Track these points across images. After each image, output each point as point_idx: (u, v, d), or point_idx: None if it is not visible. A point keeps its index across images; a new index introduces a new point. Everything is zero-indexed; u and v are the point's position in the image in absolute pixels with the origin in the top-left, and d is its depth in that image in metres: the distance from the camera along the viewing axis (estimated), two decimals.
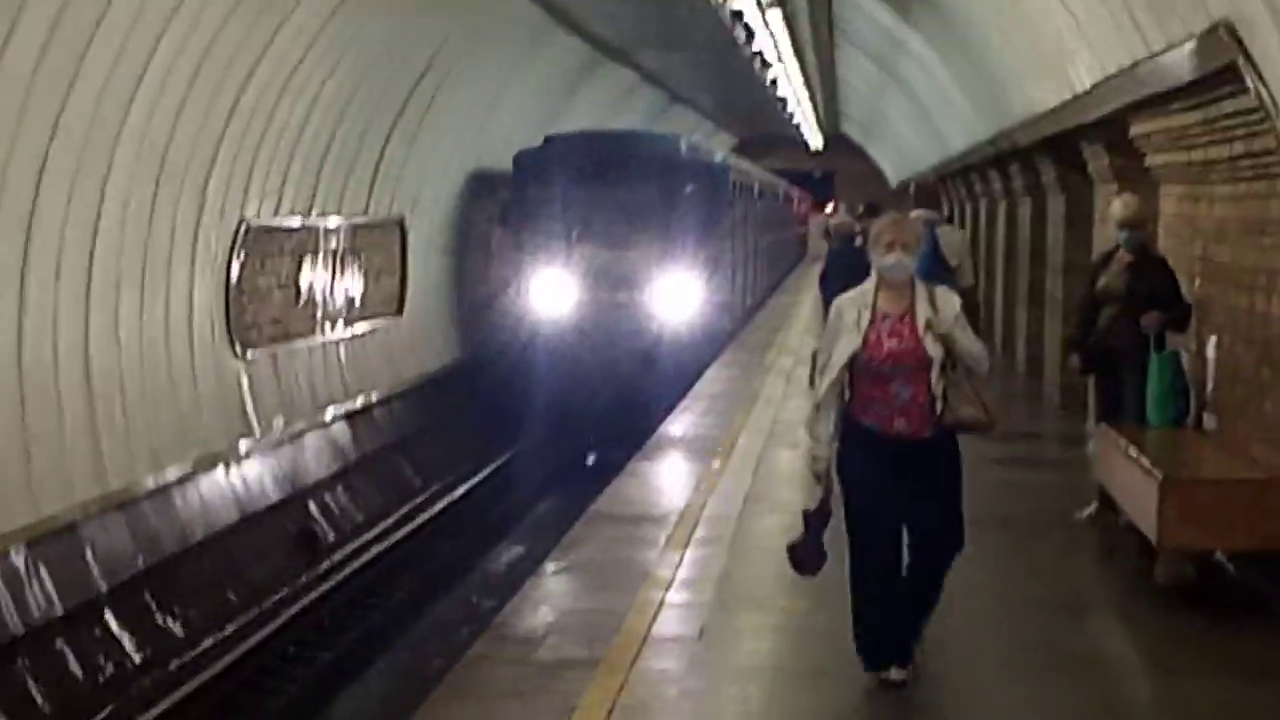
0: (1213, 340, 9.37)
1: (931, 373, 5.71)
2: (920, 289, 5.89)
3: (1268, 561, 7.67)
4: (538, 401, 17.22)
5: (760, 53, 20.41)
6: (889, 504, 5.80)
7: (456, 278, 19.10)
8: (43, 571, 9.52)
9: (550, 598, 7.75)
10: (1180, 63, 7.94)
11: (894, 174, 32.29)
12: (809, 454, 6.03)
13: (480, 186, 19.06)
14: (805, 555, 5.91)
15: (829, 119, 31.28)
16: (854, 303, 5.85)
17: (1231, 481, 7.97)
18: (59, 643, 9.61)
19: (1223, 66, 7.03)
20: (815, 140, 33.90)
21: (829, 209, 27.72)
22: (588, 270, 17.63)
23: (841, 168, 36.67)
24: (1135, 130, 10.46)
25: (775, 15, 16.84)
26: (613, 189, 17.92)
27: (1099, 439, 9.14)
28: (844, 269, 12.81)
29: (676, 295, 17.75)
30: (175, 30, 10.06)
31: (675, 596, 7.50)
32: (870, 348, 5.67)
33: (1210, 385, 9.43)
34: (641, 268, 17.75)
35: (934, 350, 5.69)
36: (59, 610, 9.61)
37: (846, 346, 5.69)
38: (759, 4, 16.17)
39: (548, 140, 18.74)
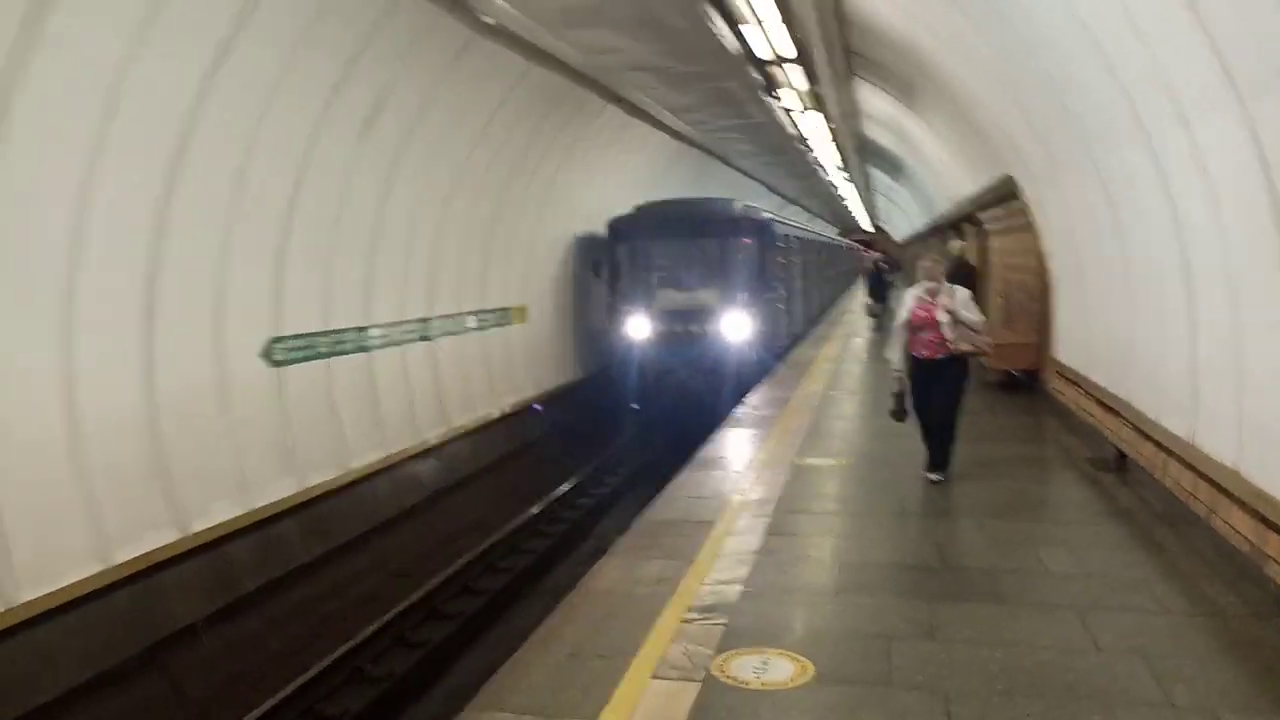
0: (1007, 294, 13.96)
1: (941, 329, 7.19)
2: (945, 286, 7.37)
3: (1028, 372, 11.99)
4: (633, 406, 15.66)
5: (838, 188, 30.60)
6: (924, 389, 7.44)
7: None
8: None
9: (750, 402, 12.56)
10: (995, 189, 12.34)
11: (898, 237, 49.46)
12: (892, 366, 7.66)
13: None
14: (898, 414, 7.62)
15: (871, 218, 50.58)
16: (911, 292, 7.54)
17: (1014, 344, 12.15)
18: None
19: (1008, 191, 11.52)
20: (868, 226, 54.52)
21: (870, 253, 37.85)
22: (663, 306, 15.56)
23: (878, 236, 56.89)
24: (982, 215, 14.84)
25: (847, 185, 26.72)
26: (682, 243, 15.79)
27: None
28: (872, 279, 20.99)
29: (731, 324, 15.17)
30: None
31: (811, 390, 12.35)
32: (914, 315, 7.34)
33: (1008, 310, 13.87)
34: (704, 301, 15.40)
35: (942, 316, 7.19)
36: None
37: (904, 313, 7.45)
38: (839, 172, 23.95)
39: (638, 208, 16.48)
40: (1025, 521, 6.61)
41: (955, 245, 14.94)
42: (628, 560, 5.80)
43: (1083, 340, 9.38)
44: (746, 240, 15.88)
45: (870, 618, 4.88)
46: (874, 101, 16.67)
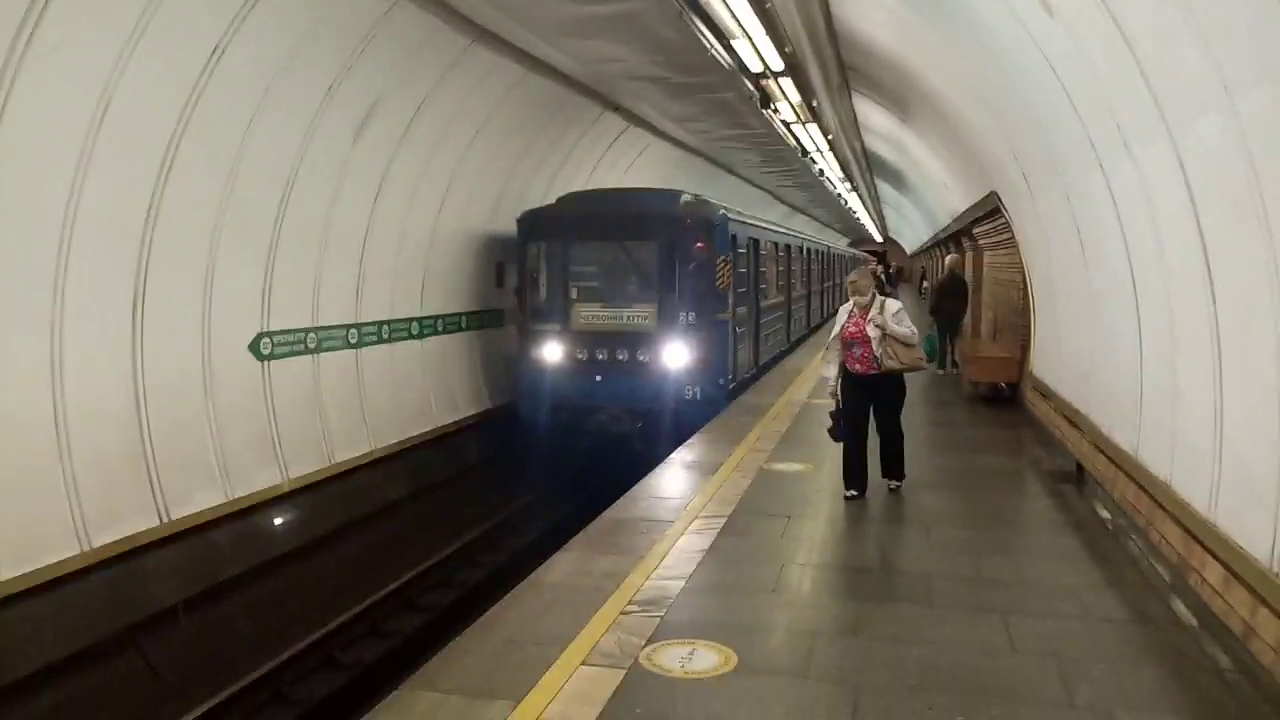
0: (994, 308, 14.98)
1: (871, 344, 7.17)
2: (877, 300, 7.27)
3: (1008, 385, 12.15)
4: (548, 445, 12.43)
5: (849, 202, 30.96)
6: (857, 405, 7.38)
7: None
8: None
9: (743, 400, 12.73)
10: (982, 205, 12.73)
11: (907, 248, 51.59)
12: (827, 384, 7.92)
13: None
14: (836, 433, 7.55)
15: (881, 229, 51.11)
16: (845, 308, 7.43)
17: (995, 357, 12.48)
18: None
19: (994, 207, 11.83)
20: (878, 237, 55.81)
21: (876, 263, 35.66)
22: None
23: (889, 247, 56.78)
24: (975, 230, 15.35)
25: (854, 197, 27.96)
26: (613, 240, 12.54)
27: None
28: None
29: (671, 351, 12.12)
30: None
31: (795, 398, 12.46)
32: (846, 329, 7.31)
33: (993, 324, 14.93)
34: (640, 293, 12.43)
35: (872, 332, 7.14)
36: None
37: (837, 329, 7.43)
38: (842, 183, 24.05)
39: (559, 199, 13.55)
40: (974, 530, 6.75)
41: (949, 259, 15.23)
42: (580, 555, 6.00)
43: (1054, 355, 9.55)
44: (696, 243, 12.15)
45: (801, 614, 5.06)
46: (873, 116, 16.83)
